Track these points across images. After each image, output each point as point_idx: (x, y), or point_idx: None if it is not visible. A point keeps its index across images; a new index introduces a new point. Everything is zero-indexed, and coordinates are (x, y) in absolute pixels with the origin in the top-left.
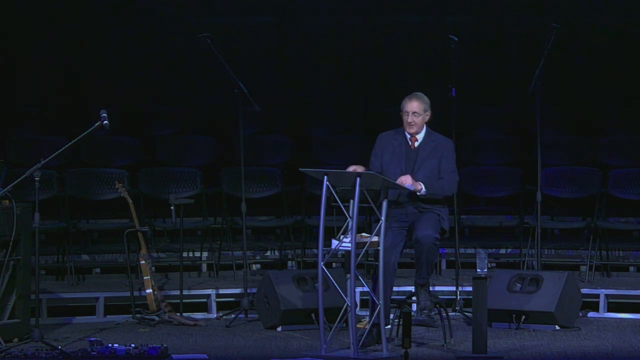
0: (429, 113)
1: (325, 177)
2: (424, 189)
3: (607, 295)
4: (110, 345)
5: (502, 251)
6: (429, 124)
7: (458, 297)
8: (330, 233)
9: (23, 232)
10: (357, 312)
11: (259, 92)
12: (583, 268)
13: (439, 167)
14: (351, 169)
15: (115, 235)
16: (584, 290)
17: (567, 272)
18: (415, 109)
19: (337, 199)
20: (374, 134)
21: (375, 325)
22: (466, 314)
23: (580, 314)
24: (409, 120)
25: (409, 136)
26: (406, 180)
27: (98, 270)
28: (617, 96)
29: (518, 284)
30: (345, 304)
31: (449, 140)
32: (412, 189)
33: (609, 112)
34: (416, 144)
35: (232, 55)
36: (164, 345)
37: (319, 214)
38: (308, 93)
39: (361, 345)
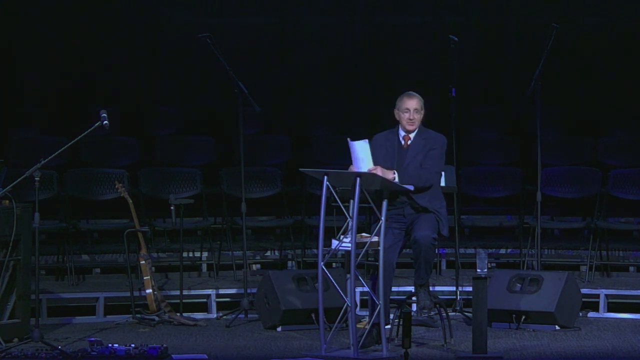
0: (424, 111)
1: (325, 177)
2: (397, 178)
3: (607, 295)
4: (110, 345)
5: (502, 251)
6: (426, 122)
7: (458, 297)
8: (330, 233)
9: (23, 232)
10: (357, 312)
11: (259, 92)
12: (583, 268)
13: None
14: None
15: (115, 235)
16: (584, 290)
17: (567, 272)
18: (416, 106)
19: (337, 199)
20: (374, 134)
21: (375, 325)
22: (466, 314)
23: (580, 314)
24: (411, 117)
25: (402, 135)
26: (375, 171)
27: (98, 270)
28: (617, 96)
29: (518, 284)
30: (345, 304)
31: (441, 135)
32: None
33: (609, 112)
34: (409, 142)
35: (232, 55)
36: (164, 345)
37: (319, 214)
38: (308, 93)
39: (361, 346)
